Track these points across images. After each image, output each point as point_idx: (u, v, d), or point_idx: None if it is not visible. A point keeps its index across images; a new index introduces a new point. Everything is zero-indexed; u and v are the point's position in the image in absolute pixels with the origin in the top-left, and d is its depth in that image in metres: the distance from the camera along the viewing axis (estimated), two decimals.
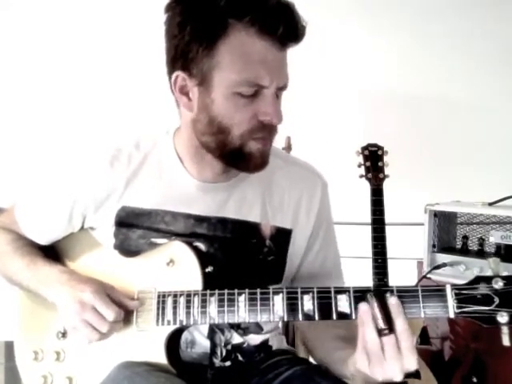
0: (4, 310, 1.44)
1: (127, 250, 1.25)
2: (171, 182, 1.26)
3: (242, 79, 1.08)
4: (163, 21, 1.12)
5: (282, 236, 1.31)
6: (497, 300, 0.96)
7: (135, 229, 1.24)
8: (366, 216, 2.08)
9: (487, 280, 0.97)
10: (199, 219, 1.25)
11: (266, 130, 1.14)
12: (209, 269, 1.19)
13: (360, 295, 1.03)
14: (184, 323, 1.14)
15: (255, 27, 1.05)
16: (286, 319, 1.08)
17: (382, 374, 0.98)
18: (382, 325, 0.97)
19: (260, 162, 1.18)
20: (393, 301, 0.99)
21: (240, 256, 1.27)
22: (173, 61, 1.13)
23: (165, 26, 1.12)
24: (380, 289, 1.02)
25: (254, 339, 1.31)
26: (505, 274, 0.97)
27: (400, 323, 0.97)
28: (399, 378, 0.97)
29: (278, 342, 1.38)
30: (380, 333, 0.96)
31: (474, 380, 2.00)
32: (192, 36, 1.07)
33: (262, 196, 1.30)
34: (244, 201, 1.28)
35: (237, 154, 1.16)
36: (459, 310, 0.97)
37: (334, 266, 1.39)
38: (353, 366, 1.04)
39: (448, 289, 0.99)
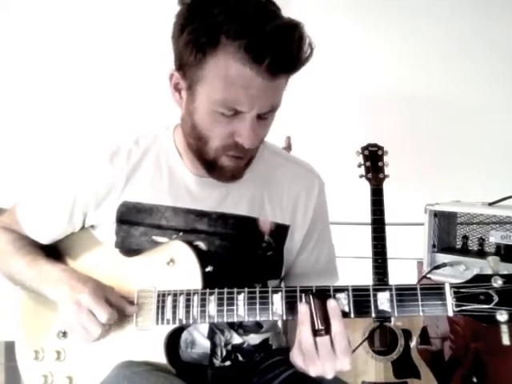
0: (4, 309, 1.44)
1: (128, 247, 1.25)
2: (171, 177, 1.27)
3: (222, 100, 1.08)
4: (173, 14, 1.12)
5: (281, 232, 1.31)
6: (496, 298, 0.96)
7: (137, 226, 1.25)
8: (366, 216, 2.09)
9: (486, 278, 0.97)
10: (200, 214, 1.25)
11: (239, 149, 1.16)
12: (208, 268, 1.20)
13: (360, 294, 1.04)
14: (183, 322, 1.15)
15: (242, 52, 1.03)
16: (284, 318, 1.08)
17: (314, 371, 1.05)
18: (319, 325, 1.01)
19: (231, 176, 1.22)
20: (332, 303, 1.03)
21: (240, 252, 1.27)
22: (174, 58, 1.14)
23: (174, 20, 1.12)
24: (322, 290, 1.06)
25: (254, 339, 1.31)
26: (504, 272, 0.97)
27: (336, 325, 1.02)
28: (330, 376, 1.05)
29: (277, 342, 1.39)
30: (316, 333, 1.01)
31: (474, 380, 2.00)
32: (186, 43, 1.07)
33: (262, 192, 1.31)
34: (243, 197, 1.29)
35: (210, 164, 1.19)
36: (458, 309, 0.97)
37: (328, 264, 1.40)
38: (291, 359, 1.11)
39: (447, 287, 0.99)
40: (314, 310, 1.02)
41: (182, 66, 1.11)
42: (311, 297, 1.03)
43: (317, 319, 1.01)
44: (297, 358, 1.08)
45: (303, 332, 1.03)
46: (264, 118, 1.14)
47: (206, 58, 1.06)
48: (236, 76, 1.05)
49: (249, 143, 1.13)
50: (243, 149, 1.15)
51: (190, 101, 1.14)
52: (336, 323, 1.02)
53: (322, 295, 1.03)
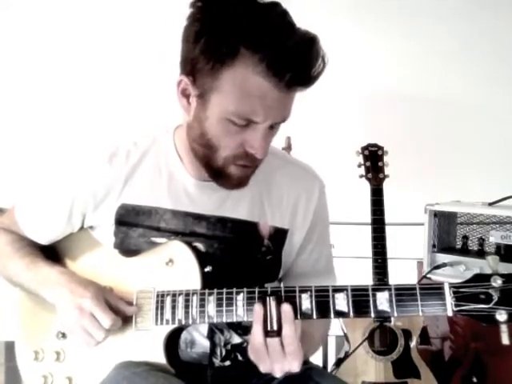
0: (4, 310, 1.44)
1: (127, 248, 1.25)
2: (170, 180, 1.26)
3: (237, 111, 1.07)
4: (185, 16, 1.09)
5: (280, 236, 1.31)
6: (495, 298, 0.95)
7: (135, 228, 1.24)
8: (366, 216, 2.09)
9: (486, 278, 0.97)
10: (198, 217, 1.25)
11: (249, 159, 1.16)
12: (207, 268, 1.19)
13: (359, 294, 1.04)
14: (183, 322, 1.14)
15: (263, 66, 1.02)
16: None
17: (263, 368, 1.08)
18: (273, 327, 1.03)
19: (237, 184, 1.21)
20: (285, 307, 1.04)
21: (239, 255, 1.27)
22: (182, 62, 1.13)
23: (186, 22, 1.10)
24: (280, 292, 1.07)
25: None
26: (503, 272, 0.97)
27: (287, 329, 1.03)
28: (278, 375, 1.08)
29: None
30: (267, 333, 1.03)
31: (474, 380, 2.01)
32: (203, 50, 1.05)
33: (261, 196, 1.30)
34: (243, 200, 1.28)
35: (217, 171, 1.18)
36: (457, 309, 0.97)
37: (326, 265, 1.40)
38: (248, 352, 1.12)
39: (446, 287, 0.98)
40: (268, 312, 1.04)
41: (193, 72, 1.09)
42: (268, 298, 1.04)
43: (270, 321, 1.03)
44: (250, 353, 1.10)
45: (255, 331, 1.05)
46: (273, 127, 1.14)
47: (222, 68, 1.05)
48: (254, 88, 1.05)
49: (261, 153, 1.13)
50: (254, 158, 1.15)
51: (202, 109, 1.12)
52: (287, 327, 1.03)
53: (278, 298, 1.05)
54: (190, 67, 1.10)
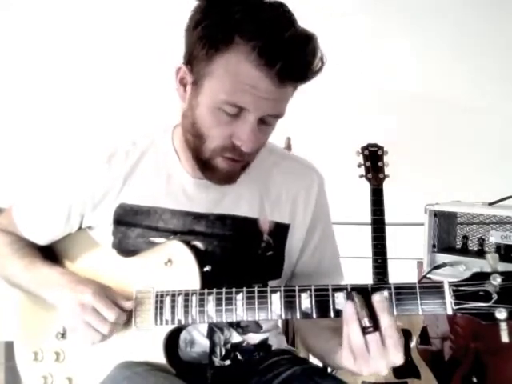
0: (4, 310, 1.44)
1: (125, 248, 1.24)
2: (169, 179, 1.26)
3: (227, 99, 1.07)
4: (184, 17, 1.11)
5: (281, 231, 1.31)
6: (495, 296, 0.95)
7: (134, 228, 1.24)
8: (366, 216, 2.08)
9: (485, 276, 0.97)
10: (197, 216, 1.25)
11: (237, 152, 1.15)
12: (207, 268, 1.19)
13: (359, 292, 1.03)
14: (182, 322, 1.14)
15: (255, 54, 1.03)
16: (283, 317, 1.08)
17: (367, 370, 1.00)
18: (366, 323, 0.97)
19: (224, 178, 1.21)
20: (377, 297, 0.99)
21: (239, 252, 1.27)
22: (184, 51, 1.13)
23: (191, 12, 1.11)
24: (364, 287, 1.03)
25: (253, 338, 1.31)
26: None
27: (385, 319, 0.97)
28: (385, 372, 0.99)
29: (277, 342, 1.38)
30: (364, 331, 0.97)
31: (474, 380, 2.00)
32: (199, 37, 1.07)
33: (259, 192, 1.30)
34: (241, 197, 1.28)
35: (205, 163, 1.18)
36: (457, 307, 0.97)
37: (332, 264, 1.39)
38: (338, 361, 1.05)
39: (446, 285, 0.98)
40: (358, 309, 0.99)
41: (190, 60, 1.11)
42: (355, 295, 1.00)
43: (363, 317, 0.98)
44: (347, 359, 1.02)
45: (352, 332, 0.99)
46: (265, 122, 1.13)
47: (216, 54, 1.06)
48: (245, 76, 1.05)
49: (248, 146, 1.12)
50: (241, 152, 1.14)
51: (194, 96, 1.13)
52: (384, 317, 0.97)
53: (363, 292, 1.01)
54: (188, 55, 1.11)
